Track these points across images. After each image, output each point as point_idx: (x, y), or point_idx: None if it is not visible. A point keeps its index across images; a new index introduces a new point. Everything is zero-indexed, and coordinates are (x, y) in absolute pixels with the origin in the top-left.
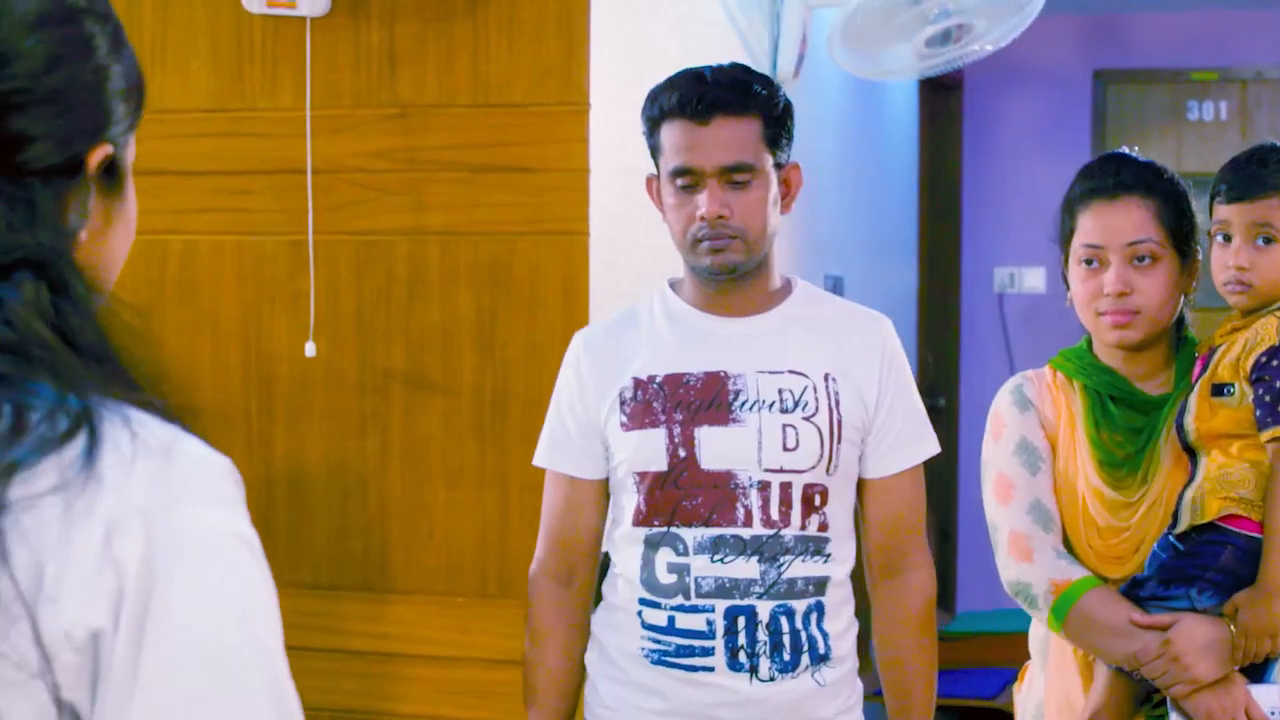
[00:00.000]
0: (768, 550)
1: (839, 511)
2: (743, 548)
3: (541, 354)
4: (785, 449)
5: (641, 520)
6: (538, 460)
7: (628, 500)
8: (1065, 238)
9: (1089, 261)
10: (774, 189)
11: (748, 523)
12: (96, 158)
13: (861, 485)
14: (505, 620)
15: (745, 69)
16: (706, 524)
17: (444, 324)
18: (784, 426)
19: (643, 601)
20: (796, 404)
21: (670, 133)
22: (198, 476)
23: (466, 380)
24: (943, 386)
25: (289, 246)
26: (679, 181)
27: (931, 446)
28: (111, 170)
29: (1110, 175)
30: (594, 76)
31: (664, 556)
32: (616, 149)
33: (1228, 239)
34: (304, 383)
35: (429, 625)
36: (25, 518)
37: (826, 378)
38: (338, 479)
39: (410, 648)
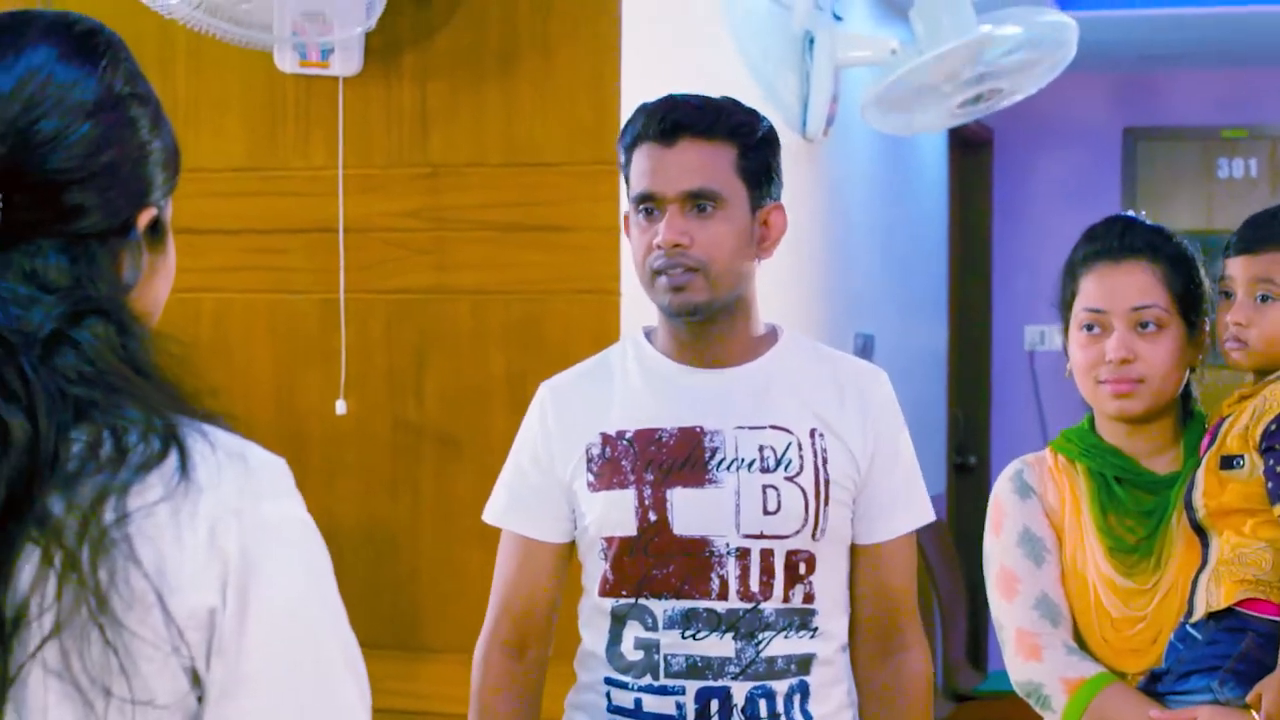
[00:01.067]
0: (744, 626)
1: (828, 581)
2: (717, 622)
3: None
4: (766, 512)
5: (608, 590)
6: (489, 516)
7: (594, 568)
8: (1066, 302)
9: (1090, 327)
10: (746, 225)
11: (723, 595)
12: (144, 220)
13: (851, 553)
14: None
15: (730, 99)
16: (678, 595)
17: (475, 383)
18: (764, 487)
19: (609, 680)
20: (779, 462)
21: (637, 158)
22: (269, 475)
23: (497, 439)
24: (973, 445)
25: (321, 305)
26: (641, 208)
27: (926, 513)
28: (155, 227)
29: (1115, 237)
30: None
31: (632, 631)
32: None
33: (1229, 295)
34: (335, 441)
35: (462, 684)
36: (146, 524)
37: (813, 434)
38: (369, 538)
39: (443, 706)
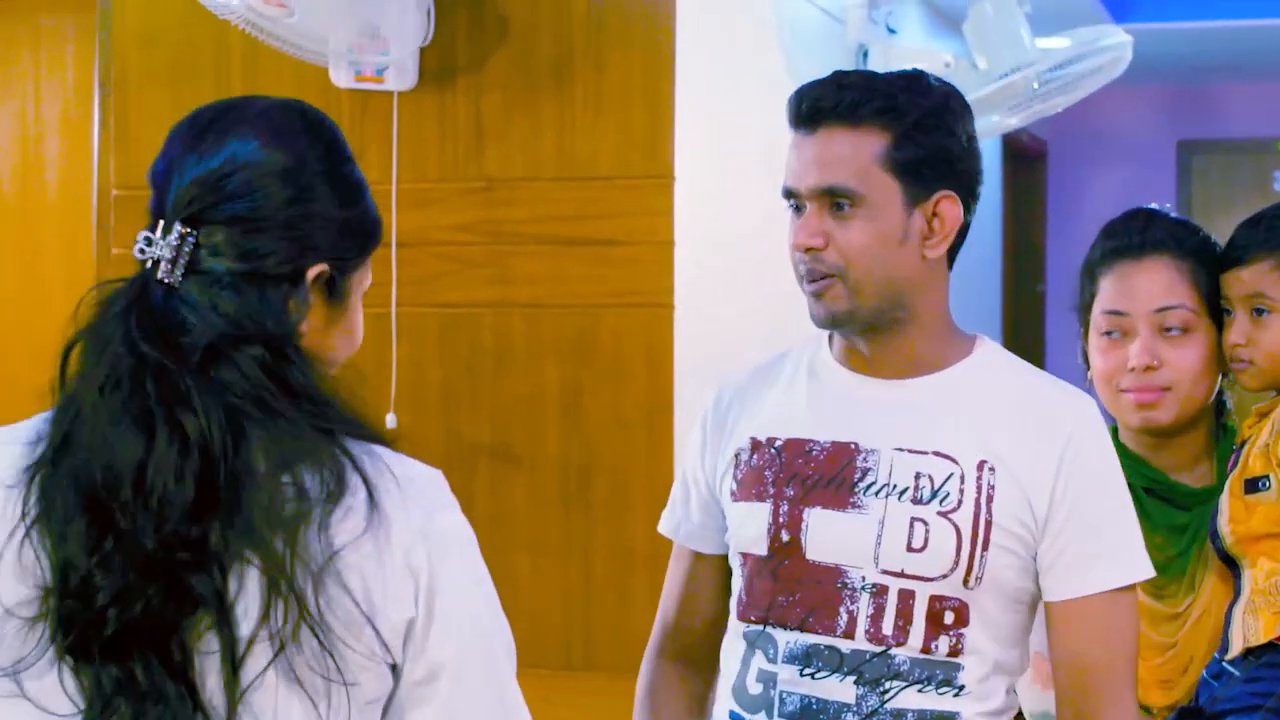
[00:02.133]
0: (870, 671)
1: (985, 637)
2: (839, 663)
3: (626, 426)
4: (910, 548)
5: (742, 613)
6: (660, 526)
7: (735, 586)
8: (1085, 305)
9: (1109, 332)
10: (897, 224)
11: (849, 633)
12: (313, 273)
13: (1045, 612)
14: (589, 692)
15: (905, 74)
16: (801, 628)
17: (529, 396)
18: (913, 520)
19: (732, 715)
20: (934, 494)
21: (790, 145)
22: (435, 490)
23: (551, 452)
24: None
25: (373, 319)
26: (788, 204)
27: (1132, 570)
28: (333, 287)
29: (1136, 232)
30: (679, 149)
31: (757, 661)
32: (702, 221)
33: (1229, 314)
34: None
35: None
36: (352, 556)
37: (981, 466)
38: None
39: None
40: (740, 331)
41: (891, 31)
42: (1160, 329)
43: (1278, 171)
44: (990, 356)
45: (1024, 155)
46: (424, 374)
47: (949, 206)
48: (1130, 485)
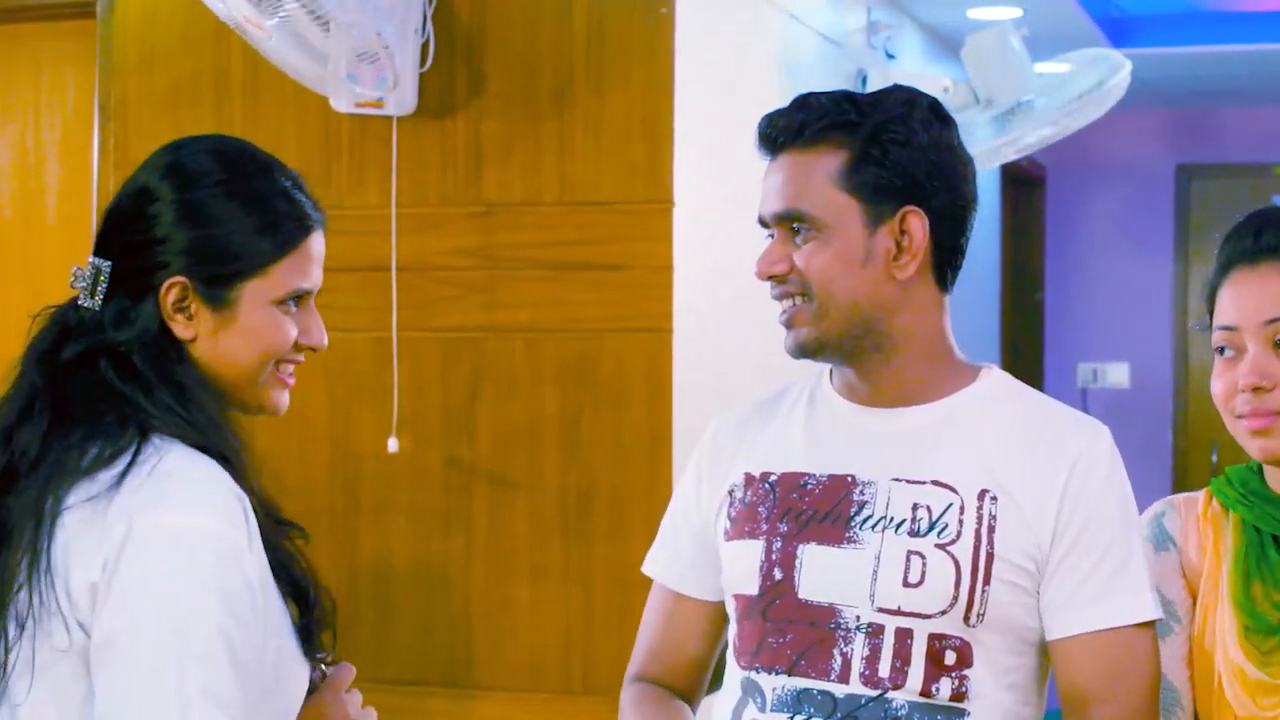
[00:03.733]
0: (865, 716)
1: (991, 679)
2: (831, 709)
3: (626, 451)
4: (906, 584)
5: (737, 656)
6: (645, 565)
7: (731, 629)
8: (1209, 325)
9: (1223, 349)
10: (858, 245)
11: (843, 677)
12: (166, 289)
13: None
14: (588, 716)
15: (878, 91)
16: (790, 671)
17: (528, 421)
18: (909, 554)
19: None
20: (932, 526)
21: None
22: (185, 491)
23: (551, 477)
24: None
25: (374, 343)
26: (764, 234)
27: (1137, 610)
28: (212, 297)
29: (1250, 235)
30: (678, 175)
31: (748, 712)
32: (701, 247)
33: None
34: (389, 479)
35: None
36: (70, 516)
37: (983, 495)
38: (422, 575)
39: None
40: (740, 356)
41: (890, 57)
42: (1273, 344)
43: (1276, 196)
44: (996, 384)
45: (1023, 180)
46: (425, 399)
47: (915, 223)
48: (1256, 530)
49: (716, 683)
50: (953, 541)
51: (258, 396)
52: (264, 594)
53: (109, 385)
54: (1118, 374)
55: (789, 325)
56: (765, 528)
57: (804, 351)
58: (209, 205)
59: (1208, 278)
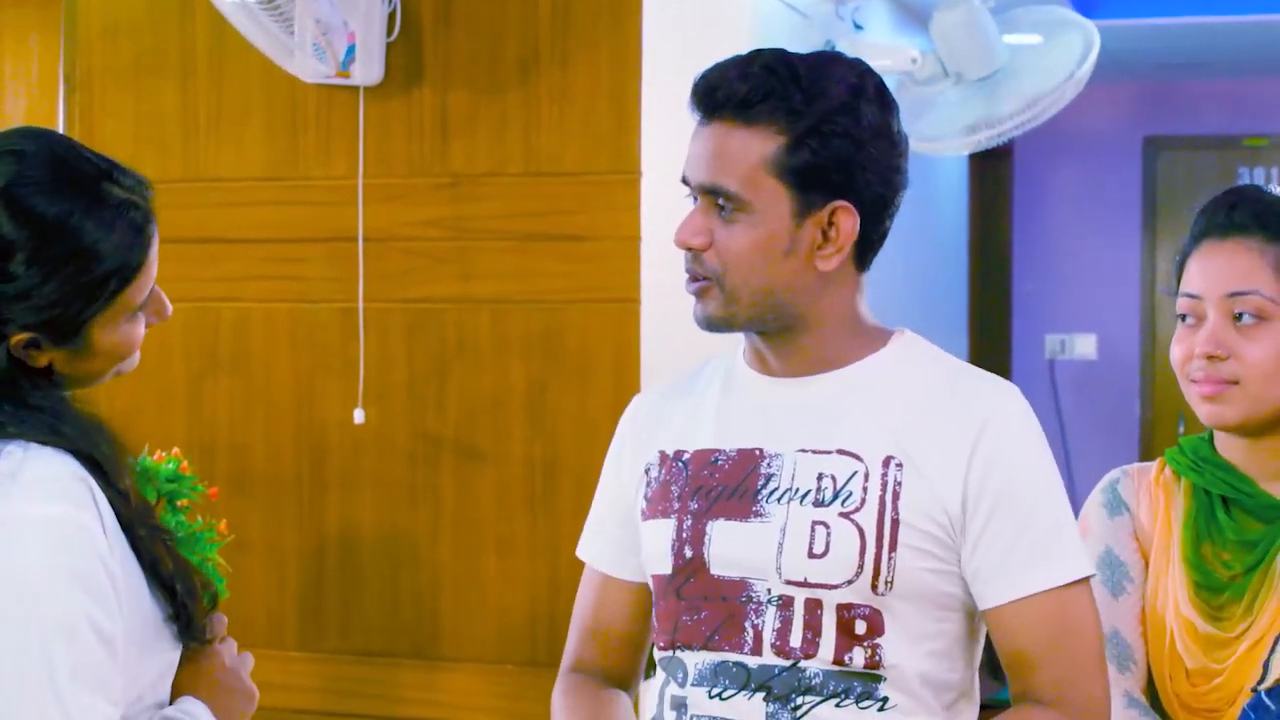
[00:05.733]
0: (779, 687)
1: (907, 647)
2: (745, 680)
3: (592, 424)
4: (811, 554)
5: (658, 637)
6: (579, 550)
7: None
8: (1175, 292)
9: (1184, 316)
10: (781, 233)
11: (756, 649)
12: (15, 340)
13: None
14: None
15: (815, 62)
16: (706, 646)
17: (495, 393)
18: (814, 524)
19: None
20: (836, 495)
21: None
22: (26, 484)
23: (517, 450)
24: None
25: (340, 314)
26: (684, 192)
27: (1070, 568)
28: (63, 338)
29: (1223, 211)
30: (645, 145)
31: (670, 689)
32: (668, 217)
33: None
34: (355, 451)
35: (480, 693)
36: None
37: (888, 462)
38: (389, 547)
39: (461, 715)
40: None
41: (858, 27)
42: (1231, 316)
43: (1243, 168)
44: (906, 349)
45: (989, 153)
46: (391, 370)
47: (845, 219)
48: (1206, 494)
49: (653, 669)
50: (857, 510)
51: (110, 376)
52: (125, 574)
53: None
54: (1085, 345)
55: (696, 297)
56: (677, 506)
57: (712, 326)
58: (60, 267)
59: (1179, 246)
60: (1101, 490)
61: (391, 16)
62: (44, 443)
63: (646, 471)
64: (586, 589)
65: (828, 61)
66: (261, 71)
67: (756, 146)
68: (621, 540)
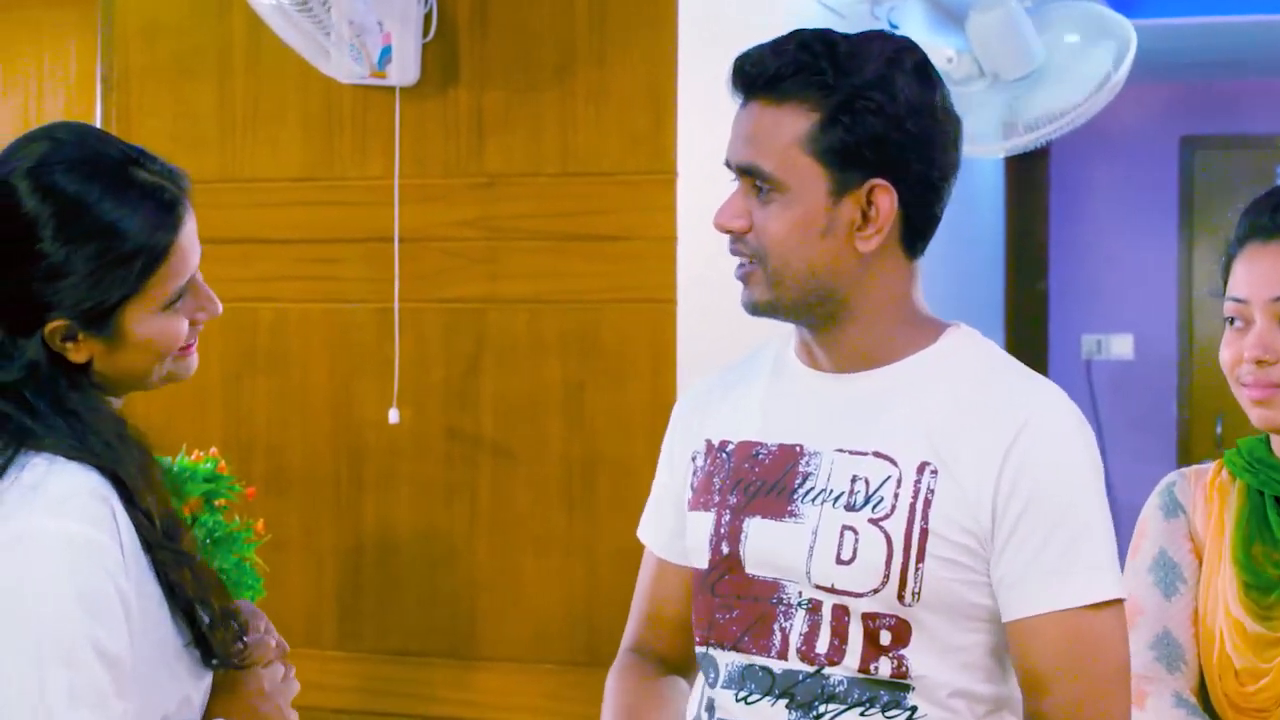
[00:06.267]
0: (801, 694)
1: (935, 659)
2: (770, 685)
3: (629, 422)
4: (839, 560)
5: (695, 631)
6: (639, 530)
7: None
8: (1222, 293)
9: (1233, 320)
10: (817, 213)
11: (782, 653)
12: (50, 330)
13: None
14: (592, 688)
15: (853, 39)
16: (736, 647)
17: (531, 392)
18: (843, 529)
19: None
20: (868, 500)
21: None
22: (45, 499)
23: (554, 449)
24: None
25: (376, 314)
26: (729, 177)
27: (1091, 589)
28: (98, 325)
29: (1267, 211)
30: (682, 145)
31: (704, 687)
32: (704, 217)
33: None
34: (392, 451)
35: (516, 692)
36: None
37: (922, 468)
38: (426, 546)
39: (497, 715)
40: (743, 327)
41: (894, 27)
42: (1278, 319)
43: None
44: (956, 346)
45: (1025, 153)
46: (427, 370)
47: (883, 197)
48: (1260, 495)
49: None
50: (886, 516)
51: (163, 379)
52: (141, 596)
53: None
54: (1122, 345)
55: (743, 282)
56: (717, 499)
57: (757, 310)
58: (83, 244)
59: (1220, 247)
60: (1159, 493)
61: (427, 17)
62: (71, 457)
63: (693, 459)
64: (644, 571)
65: (867, 38)
66: (298, 72)
67: (789, 124)
68: (675, 525)
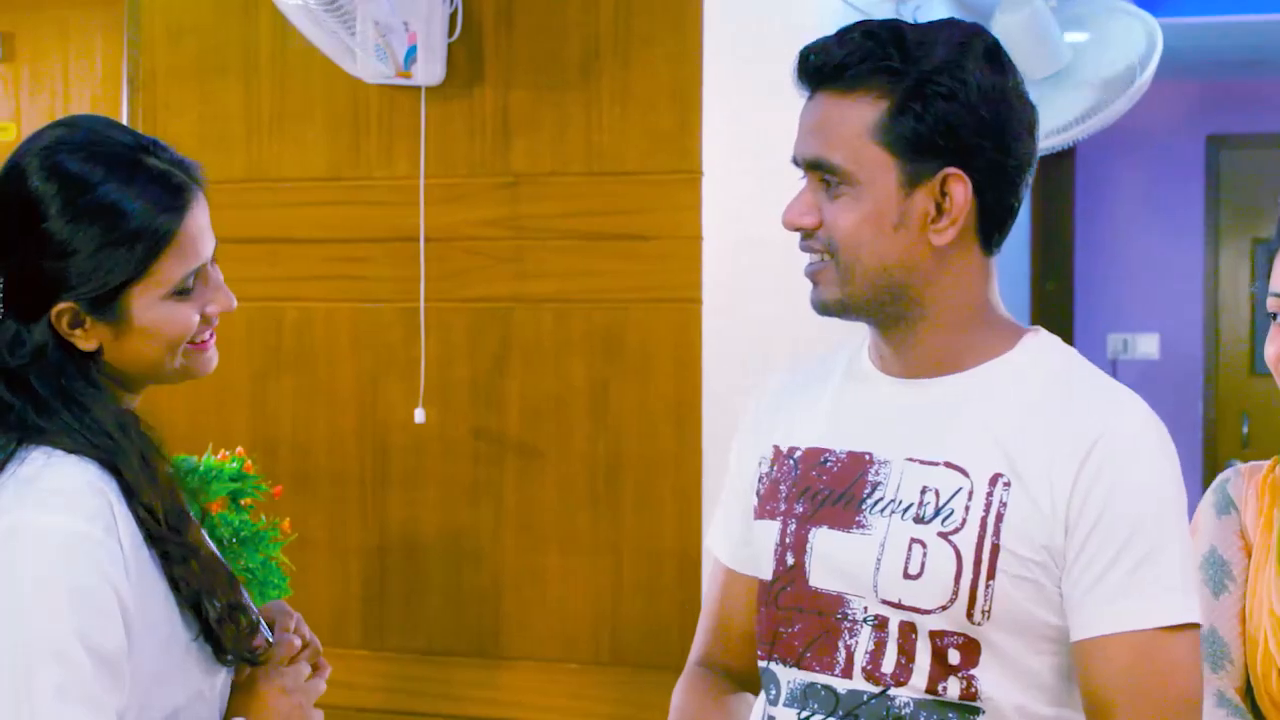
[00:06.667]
0: (865, 715)
1: (1008, 679)
2: (833, 705)
3: (654, 422)
4: (907, 575)
5: (758, 645)
6: (710, 540)
7: None
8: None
9: (1275, 316)
10: (890, 206)
11: (847, 671)
12: (56, 315)
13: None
14: (617, 687)
15: (922, 27)
16: (799, 664)
17: (556, 392)
18: (911, 542)
19: None
20: (938, 512)
21: None
22: (43, 495)
23: (579, 448)
24: None
25: (402, 314)
26: (797, 174)
27: (1161, 612)
28: (102, 310)
29: None
30: (706, 145)
31: (764, 705)
32: (729, 217)
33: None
34: (418, 450)
35: (541, 691)
36: None
37: (994, 480)
38: (452, 546)
39: (523, 714)
40: (768, 327)
41: None
42: None
43: None
44: (1035, 353)
45: (1051, 151)
46: (452, 369)
47: (957, 187)
48: None
49: None
50: (956, 530)
51: (177, 373)
52: (143, 591)
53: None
54: (1148, 345)
55: (814, 281)
56: (783, 508)
57: (826, 310)
58: (87, 222)
59: (1251, 243)
60: (1213, 490)
61: (453, 17)
62: (70, 451)
63: (760, 465)
64: (713, 580)
65: (936, 25)
66: (323, 72)
67: (857, 114)
68: (741, 533)
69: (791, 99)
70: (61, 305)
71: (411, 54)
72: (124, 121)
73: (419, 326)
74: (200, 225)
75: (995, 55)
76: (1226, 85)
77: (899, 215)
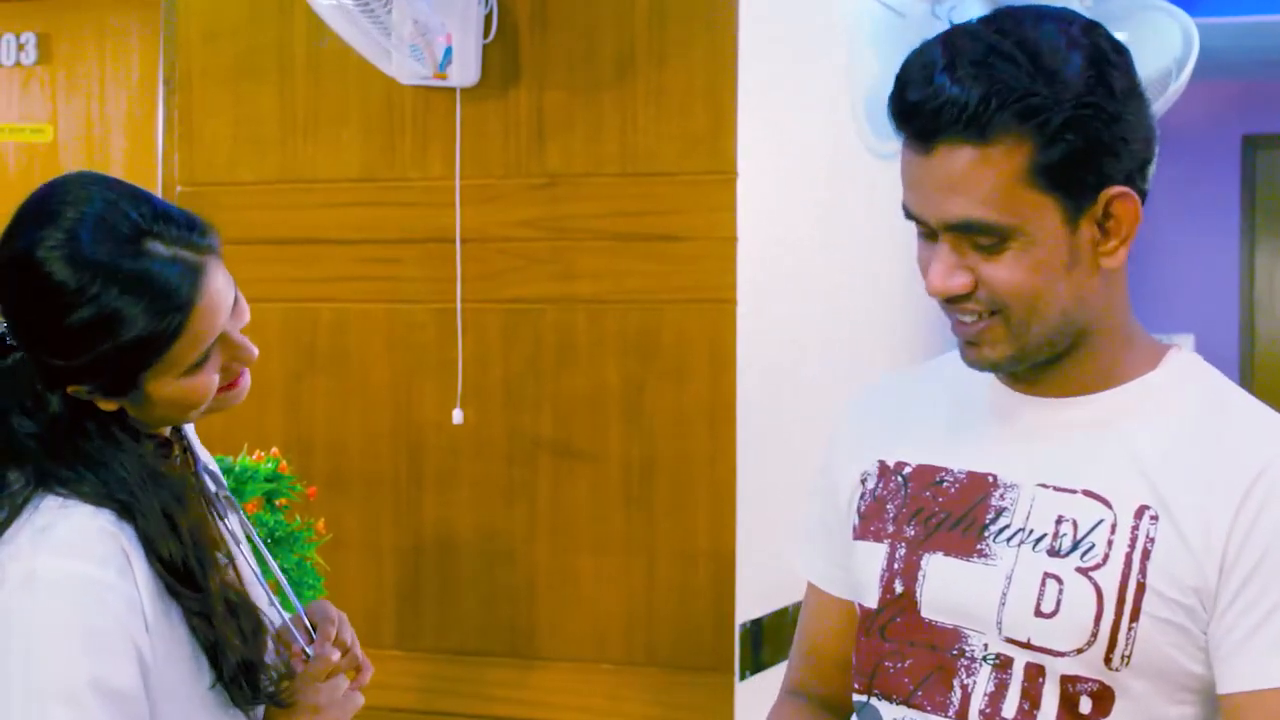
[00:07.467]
0: None
1: None
2: None
3: (689, 423)
4: (1039, 612)
5: (855, 676)
6: (797, 561)
7: None
8: None
9: None
10: (1060, 245)
11: (962, 713)
12: (72, 390)
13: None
14: (651, 688)
15: (1029, 46)
16: (908, 702)
17: (591, 392)
18: (1045, 576)
19: None
20: (1075, 545)
21: (902, 154)
22: (53, 540)
23: (614, 449)
24: None
25: (437, 315)
26: (913, 224)
27: None
28: (119, 390)
29: None
30: (741, 145)
31: None
32: (764, 218)
33: None
34: (452, 451)
35: (575, 692)
36: None
37: (1141, 513)
38: (485, 546)
39: (556, 714)
40: (804, 328)
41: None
42: None
43: None
44: (1180, 374)
45: None
46: (488, 370)
47: (1122, 205)
48: None
49: None
50: (1098, 566)
51: (210, 411)
52: (160, 636)
53: (20, 442)
54: (1183, 346)
55: (974, 344)
56: (891, 530)
57: (995, 369)
58: (88, 332)
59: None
60: None
61: (488, 18)
62: (86, 500)
63: (863, 481)
64: (805, 605)
65: (1044, 32)
66: (359, 73)
67: (1005, 161)
68: (832, 553)
69: (826, 99)
70: (76, 387)
71: (447, 55)
72: (159, 124)
73: (454, 327)
74: (212, 298)
75: (1118, 47)
76: (1263, 85)
77: (1070, 254)
